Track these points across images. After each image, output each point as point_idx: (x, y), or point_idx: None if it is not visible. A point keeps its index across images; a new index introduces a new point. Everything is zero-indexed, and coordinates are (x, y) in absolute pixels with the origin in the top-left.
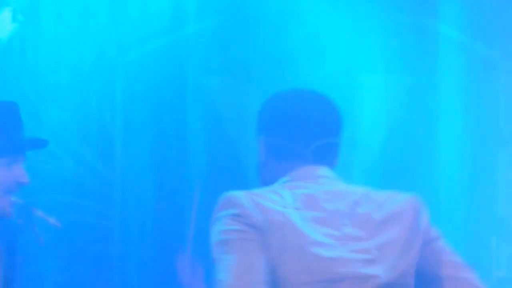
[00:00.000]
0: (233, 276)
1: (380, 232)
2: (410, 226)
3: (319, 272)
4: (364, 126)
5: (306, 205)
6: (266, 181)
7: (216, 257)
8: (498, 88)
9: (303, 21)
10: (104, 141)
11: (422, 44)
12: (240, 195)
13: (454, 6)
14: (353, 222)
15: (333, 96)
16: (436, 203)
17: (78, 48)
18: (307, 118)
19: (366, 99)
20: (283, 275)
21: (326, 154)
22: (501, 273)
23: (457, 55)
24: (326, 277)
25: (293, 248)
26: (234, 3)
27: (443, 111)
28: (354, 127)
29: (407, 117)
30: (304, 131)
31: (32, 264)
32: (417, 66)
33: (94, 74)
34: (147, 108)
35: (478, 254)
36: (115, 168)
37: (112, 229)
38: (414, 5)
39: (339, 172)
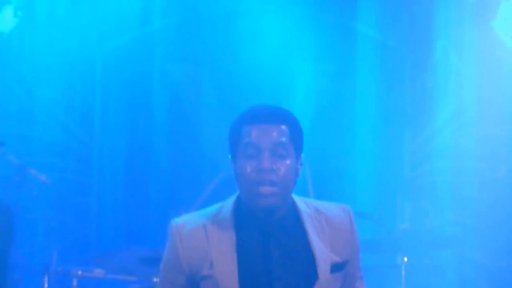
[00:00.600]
0: None
1: None
2: None
3: None
4: (296, 104)
5: None
6: None
7: None
8: (405, 76)
9: (247, 19)
10: (86, 113)
11: (344, 39)
12: None
13: (371, 9)
14: None
15: (270, 81)
16: (354, 169)
17: (65, 39)
18: None
19: (297, 83)
20: None
21: None
22: (405, 225)
23: (372, 48)
24: None
25: None
26: (192, 4)
27: (360, 94)
28: (288, 105)
29: (331, 98)
30: None
31: (26, 213)
32: (339, 57)
33: (78, 60)
34: (121, 88)
35: (386, 209)
36: (94, 135)
37: (90, 185)
38: (338, 8)
39: None
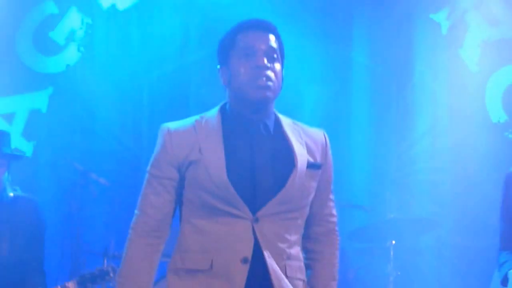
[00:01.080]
0: None
1: None
2: None
3: None
4: (304, 117)
5: None
6: None
7: None
8: (391, 94)
9: None
10: (136, 129)
11: (342, 65)
12: None
13: (363, 41)
14: None
15: (284, 99)
16: (351, 169)
17: (119, 69)
18: None
19: (304, 100)
20: None
21: None
22: (392, 215)
23: (364, 73)
24: None
25: None
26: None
27: (355, 109)
28: (297, 119)
29: (332, 112)
30: None
31: (87, 209)
32: (339, 80)
33: (129, 86)
34: (163, 108)
35: (377, 202)
36: (142, 147)
37: (140, 186)
38: (337, 40)
39: None
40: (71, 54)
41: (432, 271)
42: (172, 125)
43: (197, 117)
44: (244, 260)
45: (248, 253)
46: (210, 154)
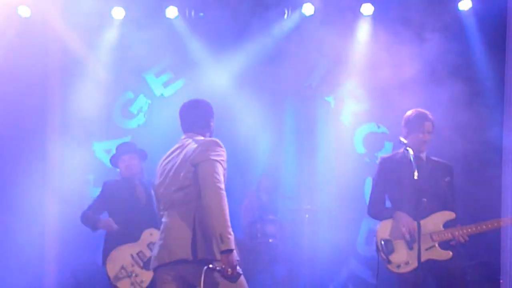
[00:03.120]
0: None
1: None
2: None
3: None
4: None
5: None
6: None
7: None
8: (306, 141)
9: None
10: None
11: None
12: None
13: (291, 121)
14: None
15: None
16: (286, 177)
17: (169, 128)
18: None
19: (287, 155)
20: None
21: None
22: (307, 206)
23: (292, 131)
24: None
25: None
26: None
27: (287, 152)
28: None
29: (281, 155)
30: None
31: None
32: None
33: (174, 138)
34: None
35: (301, 196)
36: None
37: None
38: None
39: None
40: (140, 119)
41: (325, 229)
42: None
43: None
44: None
45: None
46: None
